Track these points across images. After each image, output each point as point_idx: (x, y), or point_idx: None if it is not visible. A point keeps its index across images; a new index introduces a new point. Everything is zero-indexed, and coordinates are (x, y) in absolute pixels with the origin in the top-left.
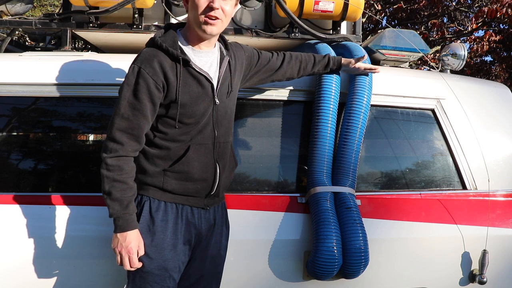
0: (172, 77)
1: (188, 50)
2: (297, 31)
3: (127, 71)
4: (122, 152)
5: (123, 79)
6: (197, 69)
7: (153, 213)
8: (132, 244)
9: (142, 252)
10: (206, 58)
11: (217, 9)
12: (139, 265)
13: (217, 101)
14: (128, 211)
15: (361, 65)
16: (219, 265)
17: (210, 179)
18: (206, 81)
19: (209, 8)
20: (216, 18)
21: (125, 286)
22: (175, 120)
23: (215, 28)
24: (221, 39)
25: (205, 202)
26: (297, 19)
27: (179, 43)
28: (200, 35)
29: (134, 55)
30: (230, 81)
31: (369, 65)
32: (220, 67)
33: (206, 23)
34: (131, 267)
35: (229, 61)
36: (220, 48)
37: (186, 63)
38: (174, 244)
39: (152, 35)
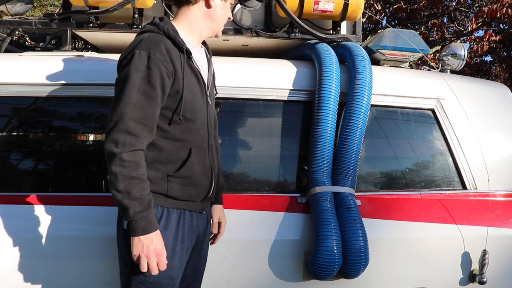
0: (178, 66)
1: (185, 42)
2: (297, 31)
3: (126, 58)
4: (138, 145)
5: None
6: (195, 64)
7: (157, 220)
8: (160, 246)
9: (165, 253)
10: (199, 55)
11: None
12: (165, 266)
13: (209, 101)
14: (150, 211)
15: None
16: (206, 260)
17: (208, 183)
18: (201, 77)
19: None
20: None
21: None
22: (179, 114)
23: None
24: (204, 44)
25: (201, 206)
26: (297, 19)
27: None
28: (207, 35)
29: None
30: (214, 84)
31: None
32: (208, 69)
33: (222, 27)
34: (159, 270)
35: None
36: (205, 51)
37: (189, 54)
38: (178, 251)
39: None
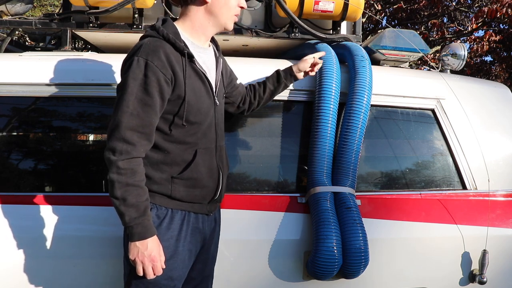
0: (179, 71)
1: (188, 44)
2: (297, 31)
3: (126, 64)
4: (135, 153)
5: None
6: (198, 66)
7: (159, 220)
8: (155, 251)
9: (163, 258)
10: (204, 55)
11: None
12: (161, 272)
13: (217, 101)
14: (147, 217)
15: (308, 62)
16: (215, 262)
17: (214, 185)
18: (206, 79)
19: (241, 6)
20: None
21: None
22: (182, 118)
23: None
24: (213, 41)
25: (207, 208)
26: (297, 19)
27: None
28: (214, 30)
29: None
30: (223, 83)
31: (315, 56)
32: (217, 68)
33: (233, 19)
34: (154, 275)
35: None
36: (214, 49)
37: (191, 57)
38: (180, 252)
39: None
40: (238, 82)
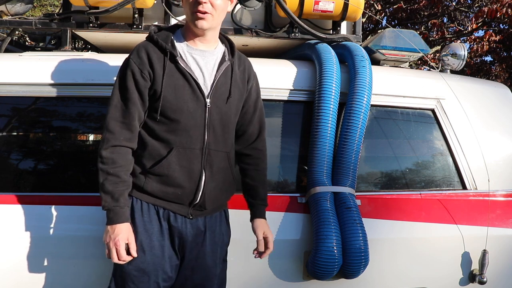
0: (158, 68)
1: (181, 45)
2: (297, 31)
3: None
4: (114, 142)
5: None
6: (183, 65)
7: (135, 213)
8: (120, 236)
9: (133, 246)
10: (199, 57)
11: (205, 3)
12: (127, 258)
13: (208, 103)
14: (119, 204)
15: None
16: (217, 276)
17: (192, 187)
18: (191, 78)
19: (197, 2)
20: (206, 12)
21: (109, 284)
22: (157, 112)
23: (205, 23)
24: (229, 45)
25: (189, 211)
26: (297, 19)
27: (173, 38)
28: (194, 31)
29: None
30: (230, 87)
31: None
32: (217, 70)
33: (196, 18)
34: (118, 260)
35: (231, 68)
36: (225, 52)
37: (172, 56)
38: (156, 247)
39: None
40: (254, 120)
